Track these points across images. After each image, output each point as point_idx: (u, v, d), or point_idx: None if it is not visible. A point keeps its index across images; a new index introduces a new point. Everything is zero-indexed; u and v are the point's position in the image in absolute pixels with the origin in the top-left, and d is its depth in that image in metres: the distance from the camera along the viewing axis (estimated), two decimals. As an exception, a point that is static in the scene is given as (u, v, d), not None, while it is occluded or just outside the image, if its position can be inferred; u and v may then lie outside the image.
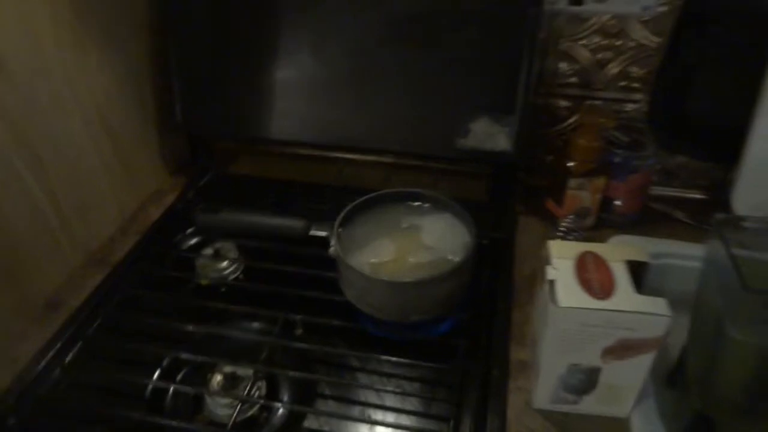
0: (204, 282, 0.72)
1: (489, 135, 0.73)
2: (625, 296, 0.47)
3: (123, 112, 0.79)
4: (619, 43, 0.73)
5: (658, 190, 0.81)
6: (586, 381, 0.51)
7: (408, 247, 0.64)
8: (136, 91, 0.81)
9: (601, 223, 0.76)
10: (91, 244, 0.75)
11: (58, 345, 0.63)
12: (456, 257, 0.62)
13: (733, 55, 0.66)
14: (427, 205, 0.69)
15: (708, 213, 0.55)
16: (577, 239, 0.72)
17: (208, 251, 0.74)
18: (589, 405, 0.53)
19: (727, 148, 0.65)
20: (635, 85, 0.76)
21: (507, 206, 0.80)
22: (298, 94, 0.79)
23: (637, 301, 0.47)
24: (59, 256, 0.71)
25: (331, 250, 0.63)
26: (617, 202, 0.75)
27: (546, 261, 0.52)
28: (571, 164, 0.72)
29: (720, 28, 0.65)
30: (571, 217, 0.72)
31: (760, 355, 0.51)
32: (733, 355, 0.52)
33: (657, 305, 0.47)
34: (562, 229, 0.72)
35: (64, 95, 0.68)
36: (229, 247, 0.74)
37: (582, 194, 0.73)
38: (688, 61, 0.68)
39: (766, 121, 0.62)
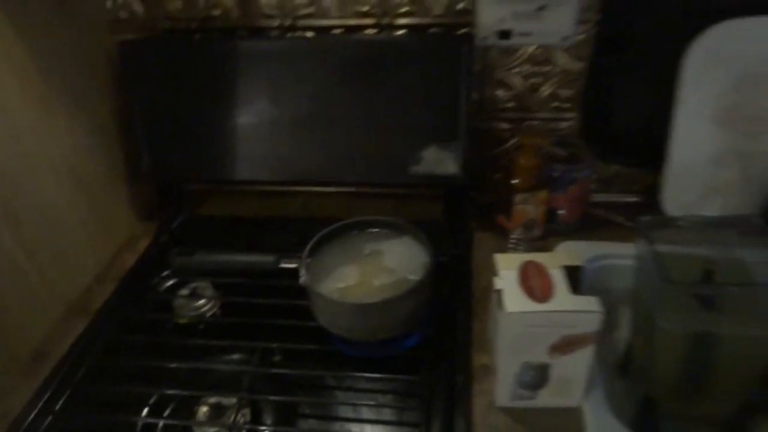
0: (182, 321, 0.75)
1: (439, 161, 0.79)
2: (562, 298, 0.53)
3: (92, 164, 0.82)
4: (547, 69, 0.80)
5: (598, 197, 0.87)
6: (537, 377, 0.57)
7: (372, 272, 0.69)
8: (103, 143, 0.84)
9: (548, 233, 0.81)
10: (70, 294, 0.78)
11: (47, 395, 0.65)
12: (416, 277, 0.67)
13: (644, 74, 0.74)
14: (386, 230, 0.74)
15: (645, 215, 0.61)
16: (527, 249, 0.78)
17: (185, 291, 0.77)
18: (544, 399, 0.59)
19: (652, 156, 0.73)
20: (566, 105, 0.83)
21: (462, 224, 0.85)
22: (259, 135, 0.83)
23: (573, 301, 0.53)
24: (40, 308, 0.73)
25: (301, 280, 0.67)
26: (561, 212, 0.81)
27: (494, 273, 0.58)
28: (515, 181, 0.78)
29: (629, 53, 0.73)
30: (520, 229, 0.79)
31: (686, 341, 0.57)
32: (665, 343, 0.58)
33: (590, 303, 0.53)
34: (513, 241, 0.78)
35: (35, 154, 0.72)
36: (204, 286, 0.78)
37: (528, 208, 0.79)
38: (606, 82, 0.76)
39: (682, 131, 0.70)
